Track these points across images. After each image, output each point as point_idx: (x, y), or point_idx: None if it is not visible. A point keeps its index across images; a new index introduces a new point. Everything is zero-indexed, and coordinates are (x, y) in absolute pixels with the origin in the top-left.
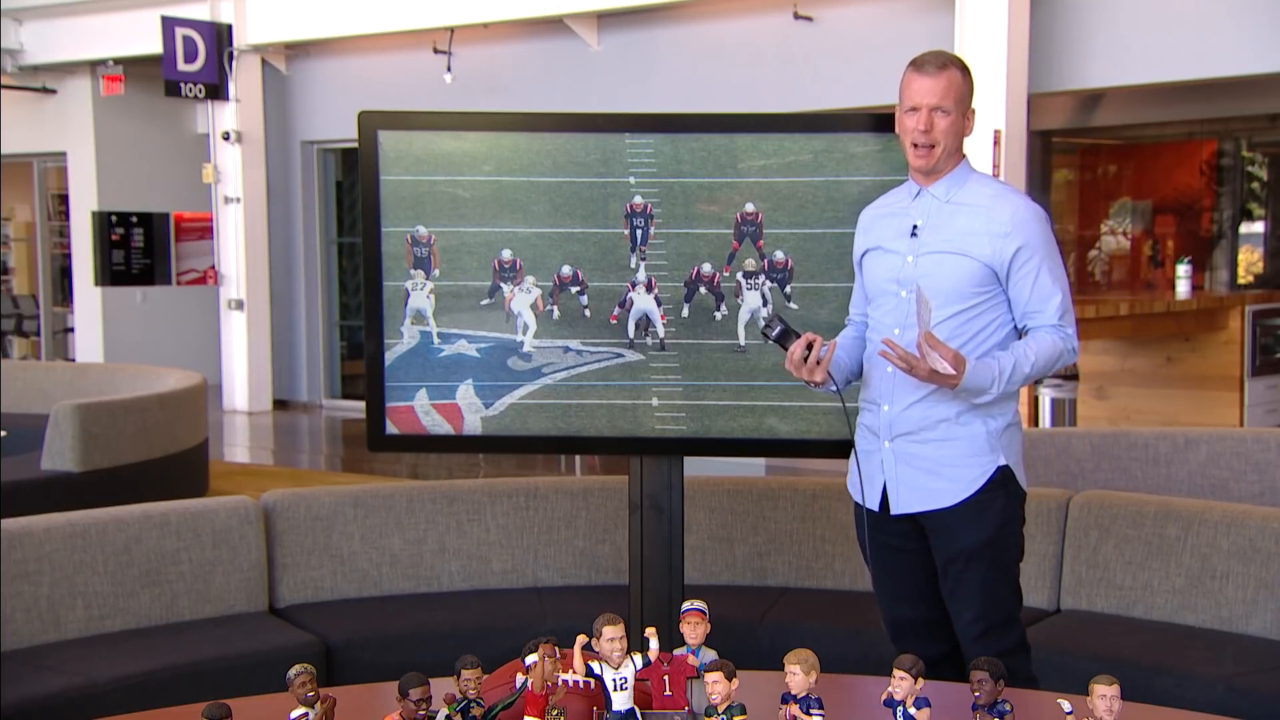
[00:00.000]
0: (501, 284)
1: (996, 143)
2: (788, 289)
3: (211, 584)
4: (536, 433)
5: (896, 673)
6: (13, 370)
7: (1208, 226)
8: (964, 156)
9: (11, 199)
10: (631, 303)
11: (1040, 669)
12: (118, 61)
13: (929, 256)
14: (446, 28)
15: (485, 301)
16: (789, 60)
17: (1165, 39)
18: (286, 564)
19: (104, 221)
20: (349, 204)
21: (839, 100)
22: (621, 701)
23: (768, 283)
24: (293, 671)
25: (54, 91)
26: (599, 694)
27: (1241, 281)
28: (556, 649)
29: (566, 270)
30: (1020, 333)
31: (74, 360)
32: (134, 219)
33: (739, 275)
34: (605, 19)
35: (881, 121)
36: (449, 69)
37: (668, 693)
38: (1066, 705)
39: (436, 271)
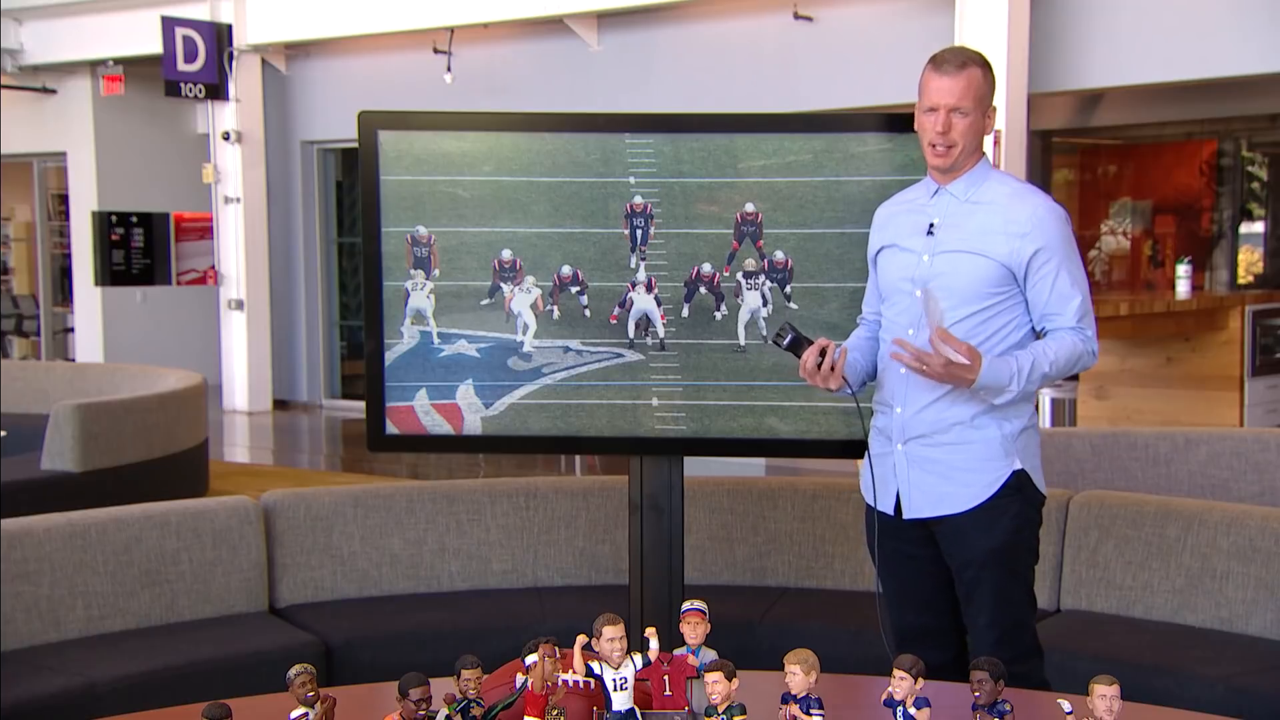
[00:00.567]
0: (501, 284)
1: (996, 143)
2: (788, 289)
3: (211, 584)
4: (536, 433)
5: (896, 673)
6: (13, 370)
7: (1208, 226)
8: (984, 155)
9: (11, 199)
10: (631, 303)
11: None
12: (118, 61)
13: (945, 255)
14: (446, 28)
15: (485, 301)
16: (789, 60)
17: (1165, 39)
18: (286, 564)
19: (104, 221)
20: (349, 204)
21: (839, 100)
22: (621, 701)
23: (768, 283)
24: (293, 671)
25: (54, 91)
26: (599, 694)
27: (1241, 281)
28: (556, 649)
29: (566, 270)
30: (1038, 335)
31: (74, 360)
32: (134, 219)
33: (739, 275)
34: (605, 19)
35: (882, 121)
36: (449, 69)
37: (668, 693)
38: (1066, 705)
39: (436, 271)
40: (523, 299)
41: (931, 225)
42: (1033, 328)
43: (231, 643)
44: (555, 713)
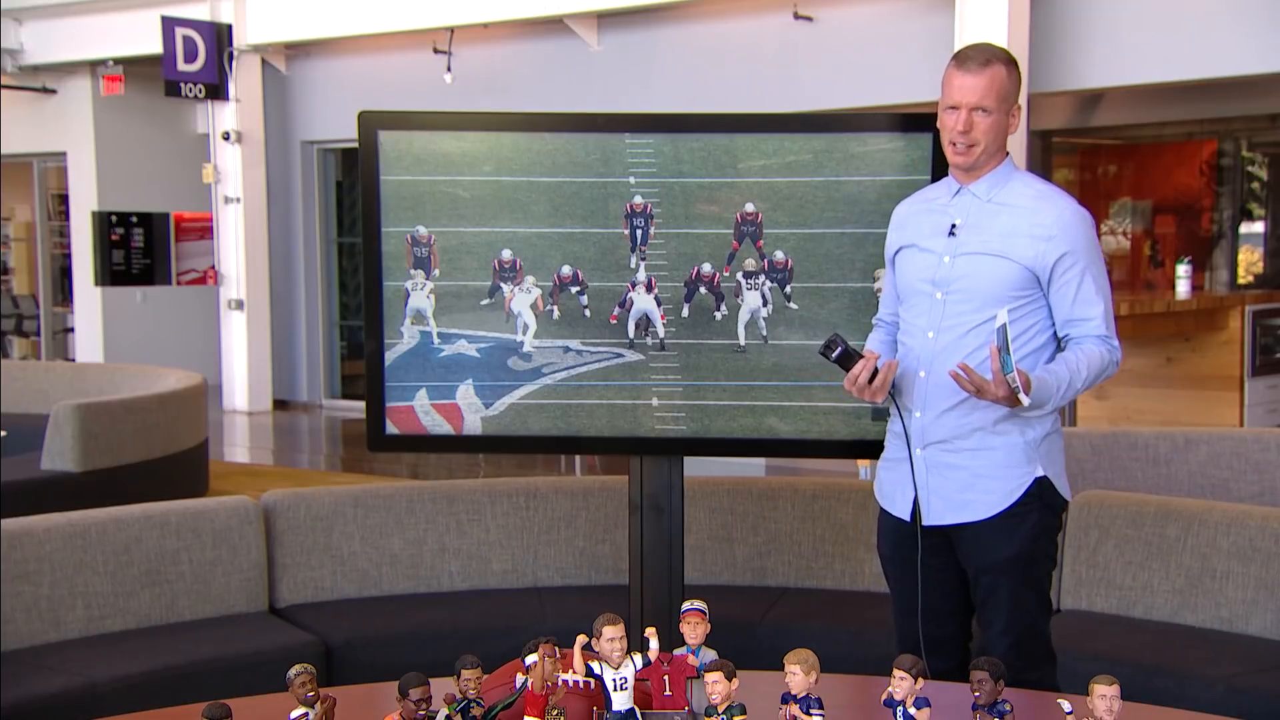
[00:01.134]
0: (501, 284)
1: None
2: (788, 289)
3: (211, 584)
4: (536, 433)
5: (896, 673)
6: (13, 370)
7: (1208, 226)
8: (1008, 154)
9: (11, 199)
10: (631, 303)
11: None
12: (118, 61)
13: (967, 257)
14: (446, 28)
15: (485, 301)
16: (789, 60)
17: (1165, 39)
18: (286, 564)
19: (104, 221)
20: (349, 204)
21: (839, 100)
22: (621, 701)
23: (768, 283)
24: (293, 671)
25: (54, 91)
26: (599, 694)
27: (1241, 281)
28: (556, 649)
29: (566, 270)
30: (1059, 342)
31: (74, 360)
32: (134, 219)
33: (739, 275)
34: (605, 19)
35: (883, 121)
36: (449, 69)
37: (668, 693)
38: (1066, 705)
39: (436, 271)
40: (523, 299)
41: (953, 226)
42: (1054, 332)
43: (231, 643)
44: (555, 713)
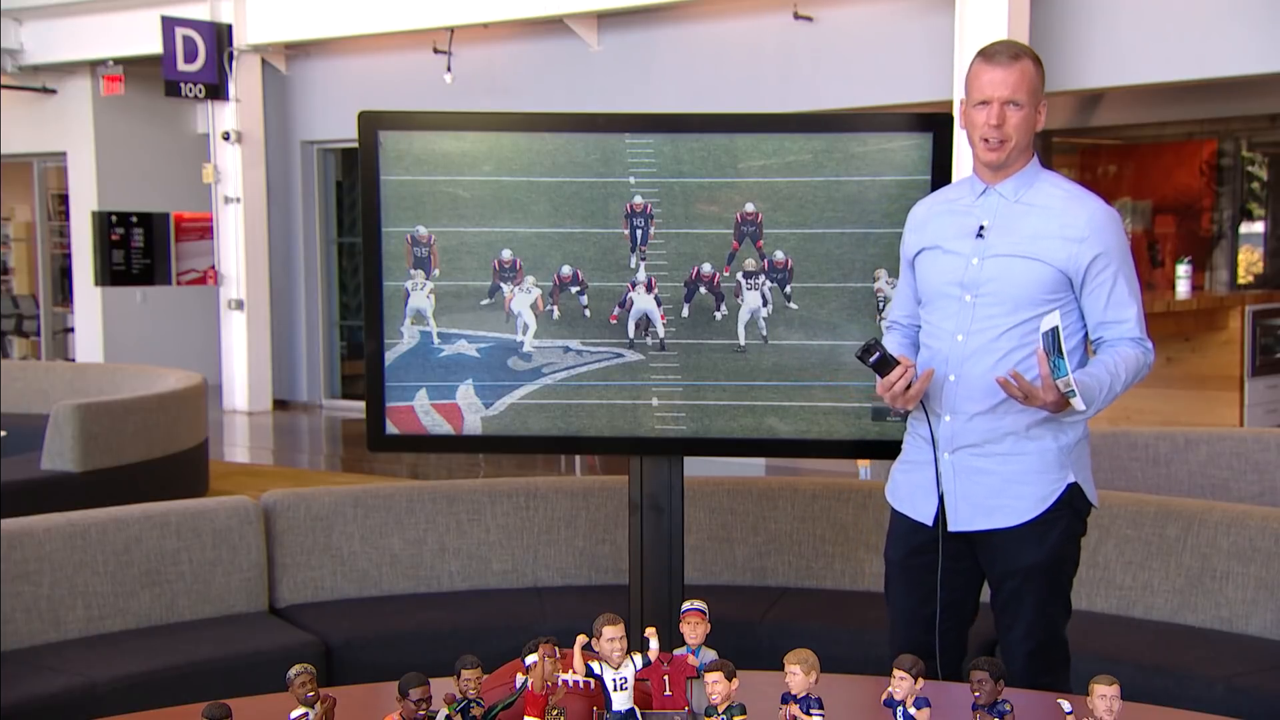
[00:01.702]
0: (501, 284)
1: None
2: (788, 289)
3: (211, 584)
4: (536, 433)
5: (896, 673)
6: (13, 370)
7: (1208, 226)
8: (1034, 153)
9: (11, 199)
10: (631, 303)
11: None
12: (118, 61)
13: (996, 260)
14: (446, 28)
15: (485, 301)
16: (789, 60)
17: (1165, 39)
18: (286, 564)
19: (104, 221)
20: (349, 204)
21: (839, 100)
22: (621, 701)
23: (768, 283)
24: (293, 671)
25: (54, 91)
26: (599, 694)
27: (1241, 281)
28: (556, 649)
29: (566, 270)
30: (1089, 344)
31: (74, 360)
32: (134, 219)
33: (739, 275)
34: (605, 19)
35: (882, 121)
36: (449, 69)
37: (668, 693)
38: (1066, 705)
39: (436, 271)
40: (523, 299)
41: (981, 228)
42: (1085, 335)
43: (231, 643)
44: (555, 713)
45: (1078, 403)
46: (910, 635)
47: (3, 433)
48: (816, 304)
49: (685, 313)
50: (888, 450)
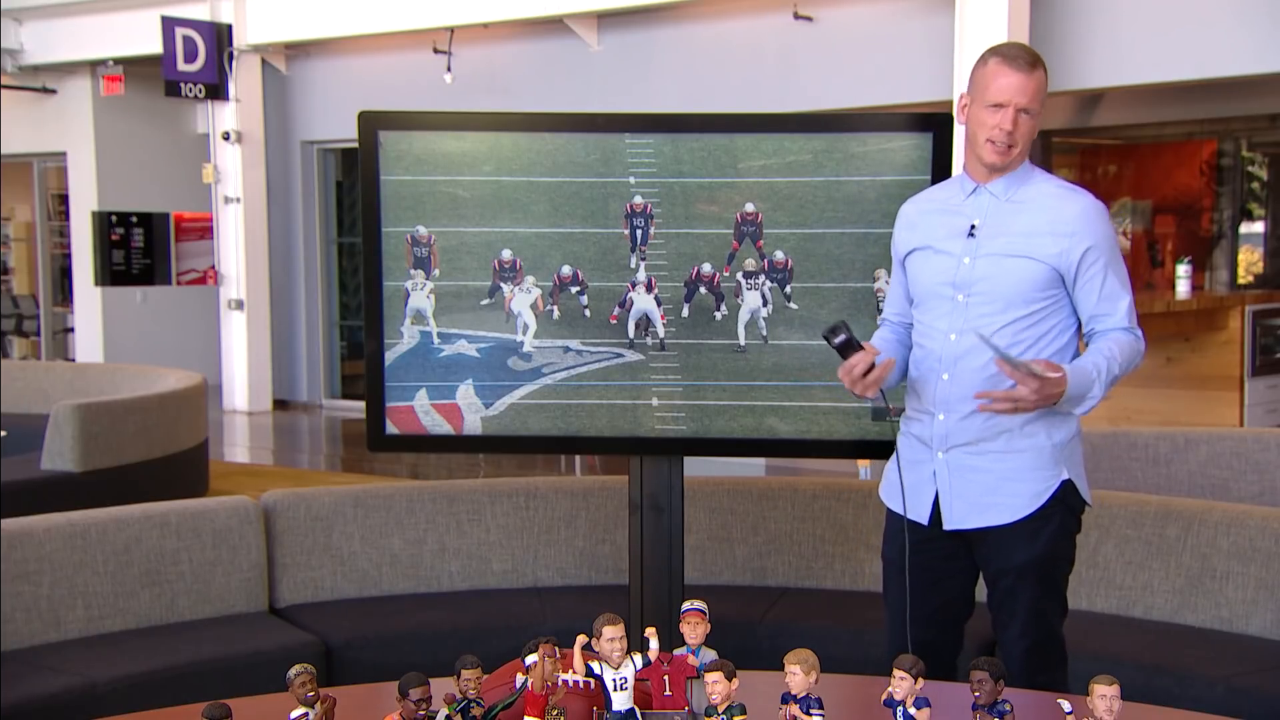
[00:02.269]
0: (501, 284)
1: None
2: (788, 289)
3: (211, 584)
4: (536, 433)
5: (896, 673)
6: (13, 370)
7: (1208, 226)
8: (1026, 154)
9: (11, 199)
10: (631, 303)
11: None
12: (118, 61)
13: (989, 258)
14: (446, 28)
15: (485, 301)
16: (789, 60)
17: (1165, 39)
18: (286, 564)
19: (104, 221)
20: (349, 204)
21: (839, 100)
22: (621, 701)
23: (768, 283)
24: (293, 671)
25: (54, 91)
26: (599, 694)
27: (1241, 281)
28: (556, 649)
29: (566, 270)
30: (1081, 337)
31: (74, 360)
32: (134, 219)
33: (739, 275)
34: (605, 19)
35: (882, 121)
36: (449, 69)
37: (668, 693)
38: (1066, 705)
39: (436, 271)
40: (523, 299)
41: (973, 227)
42: (1076, 331)
43: (231, 643)
44: (555, 713)
45: (1048, 373)
46: (910, 632)
47: (3, 433)
48: (816, 304)
49: (685, 313)
50: (887, 450)
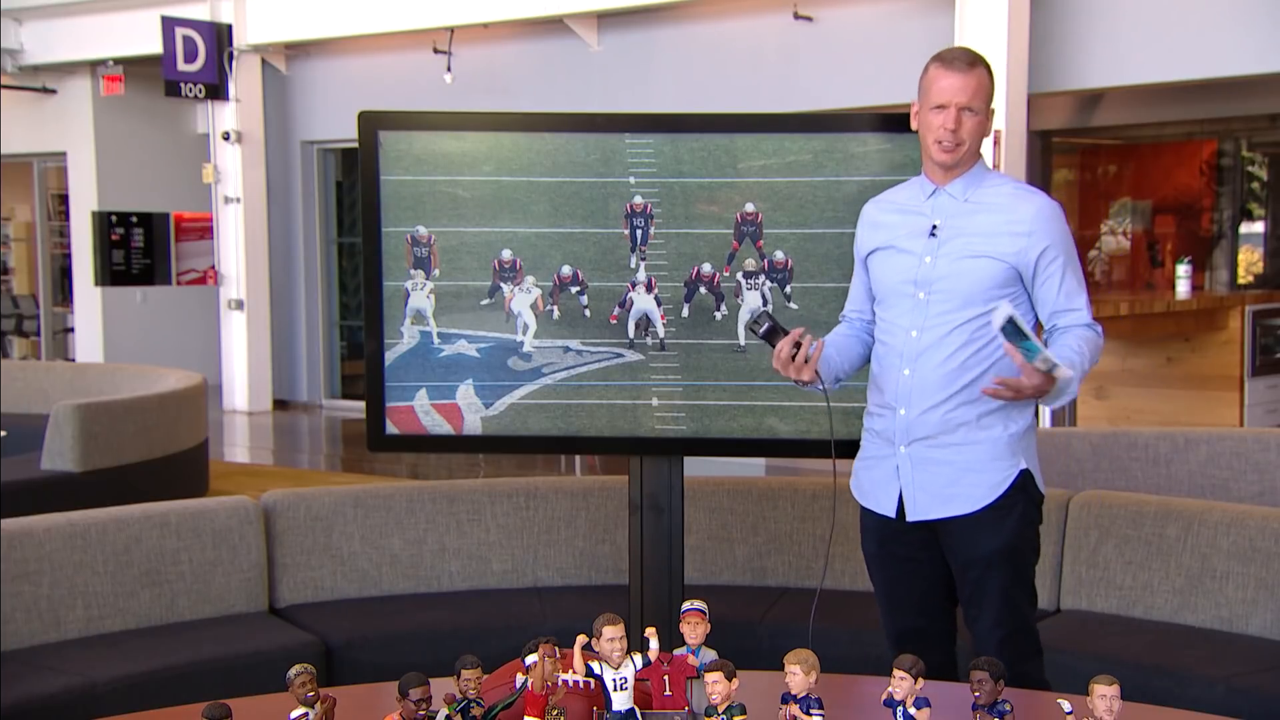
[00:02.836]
0: (501, 284)
1: (996, 143)
2: (788, 289)
3: (211, 584)
4: (536, 433)
5: (896, 673)
6: (13, 370)
7: (1208, 226)
8: (980, 155)
9: (11, 199)
10: (631, 303)
11: None
12: (118, 61)
13: (949, 258)
14: (446, 28)
15: (485, 301)
16: (789, 60)
17: (1165, 39)
18: (286, 564)
19: (104, 221)
20: (349, 204)
21: (839, 100)
22: (621, 701)
23: (768, 283)
24: (293, 671)
25: (54, 91)
26: (599, 694)
27: (1241, 281)
28: (556, 649)
29: (566, 270)
30: (1041, 331)
31: (74, 360)
32: (134, 219)
33: (739, 275)
34: (605, 19)
35: (882, 121)
36: (449, 69)
37: (668, 693)
38: (1066, 705)
39: (436, 271)
40: (523, 299)
41: (934, 227)
42: (1035, 324)
43: (231, 643)
44: (555, 713)
45: (1064, 371)
46: (900, 623)
47: (3, 433)
48: (816, 304)
49: (685, 313)
50: None
